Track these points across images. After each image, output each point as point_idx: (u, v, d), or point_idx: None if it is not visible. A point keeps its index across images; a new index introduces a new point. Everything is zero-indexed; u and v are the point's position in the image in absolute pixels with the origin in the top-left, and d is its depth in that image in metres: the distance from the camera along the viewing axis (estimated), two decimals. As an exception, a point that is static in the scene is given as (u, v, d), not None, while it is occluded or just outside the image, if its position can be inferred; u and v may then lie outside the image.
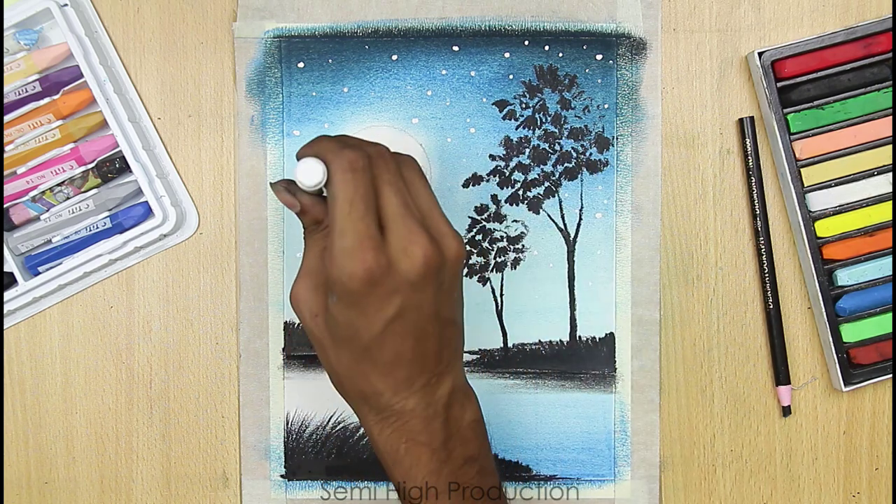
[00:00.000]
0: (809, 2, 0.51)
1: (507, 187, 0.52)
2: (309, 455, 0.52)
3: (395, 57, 0.51)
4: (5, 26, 0.50)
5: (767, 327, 0.52)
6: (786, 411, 0.52)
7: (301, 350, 0.52)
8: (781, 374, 0.51)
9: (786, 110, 0.50)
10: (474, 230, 0.52)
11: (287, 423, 0.52)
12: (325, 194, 0.40)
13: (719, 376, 0.52)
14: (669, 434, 0.52)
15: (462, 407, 0.41)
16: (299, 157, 0.38)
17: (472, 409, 0.42)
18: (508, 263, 0.52)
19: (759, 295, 0.52)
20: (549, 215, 0.52)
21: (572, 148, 0.52)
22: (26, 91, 0.50)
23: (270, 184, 0.41)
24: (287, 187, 0.40)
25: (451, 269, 0.38)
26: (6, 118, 0.50)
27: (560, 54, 0.51)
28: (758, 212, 0.51)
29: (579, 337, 0.52)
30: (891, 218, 0.51)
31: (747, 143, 0.51)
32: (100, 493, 0.52)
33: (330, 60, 0.52)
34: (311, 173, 0.37)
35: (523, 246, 0.52)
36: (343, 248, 0.36)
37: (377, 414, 0.40)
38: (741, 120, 0.51)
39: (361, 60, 0.51)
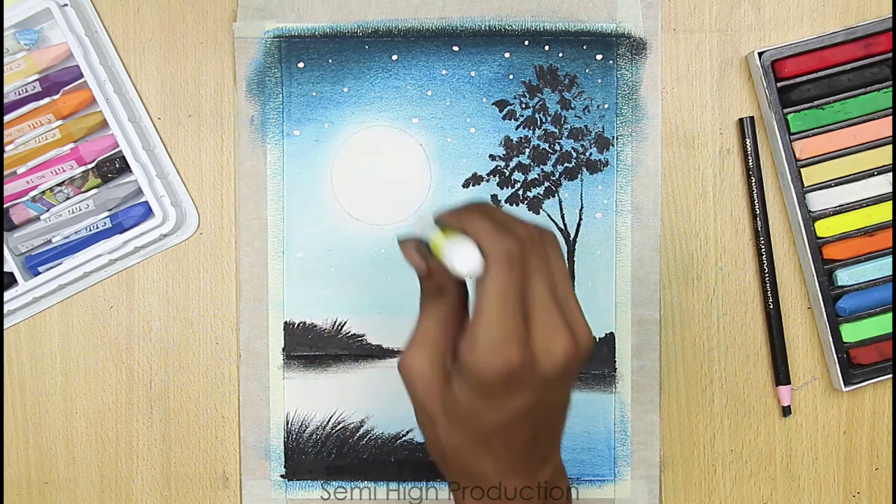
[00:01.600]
0: (809, 2, 0.51)
1: (507, 187, 0.52)
2: (309, 455, 0.52)
3: (395, 57, 0.51)
4: (5, 26, 0.50)
5: (767, 327, 0.52)
6: (786, 411, 0.52)
7: (301, 350, 0.52)
8: (781, 374, 0.51)
9: (786, 110, 0.50)
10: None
11: (287, 423, 0.52)
12: None
13: (719, 376, 0.52)
14: (669, 434, 0.52)
15: (559, 487, 0.40)
16: (444, 224, 0.36)
17: (566, 486, 0.40)
18: (508, 263, 0.52)
19: (759, 295, 0.52)
20: (549, 215, 0.52)
21: (572, 148, 0.52)
22: (26, 91, 0.50)
23: (399, 241, 0.39)
24: (418, 248, 0.38)
25: (582, 362, 0.37)
26: (6, 118, 0.50)
27: (560, 54, 0.51)
28: (758, 212, 0.51)
29: (579, 337, 0.52)
30: (891, 218, 0.51)
31: (747, 143, 0.51)
32: (100, 493, 0.52)
33: (330, 60, 0.52)
34: (469, 262, 0.34)
35: (523, 246, 0.52)
36: (488, 339, 0.34)
37: (479, 491, 0.38)
38: (741, 120, 0.51)
39: (361, 60, 0.51)
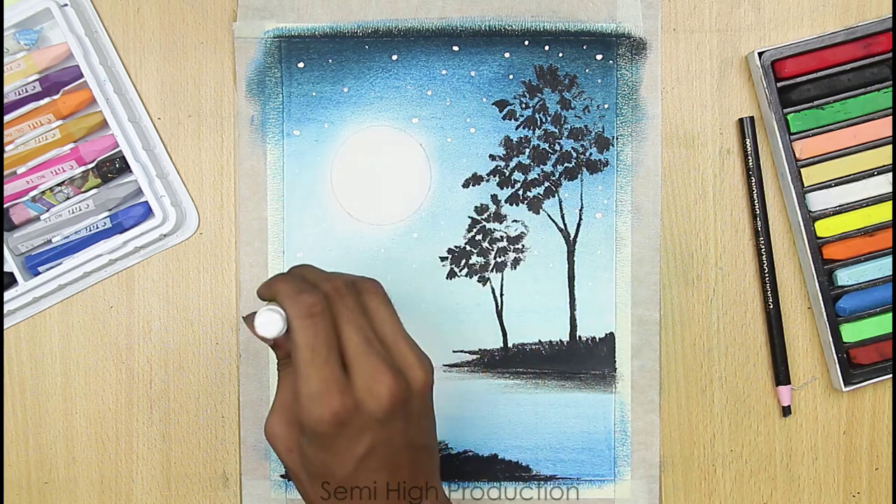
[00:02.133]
0: (809, 2, 0.51)
1: (507, 187, 0.52)
2: (309, 455, 0.52)
3: (395, 57, 0.51)
4: (5, 26, 0.50)
5: (767, 327, 0.52)
6: (786, 411, 0.52)
7: (301, 350, 0.52)
8: (781, 374, 0.51)
9: (786, 110, 0.50)
10: (474, 230, 0.52)
11: (287, 423, 0.52)
12: None
13: (719, 376, 0.52)
14: (669, 434, 0.52)
15: None
16: (260, 296, 0.39)
17: None
18: (508, 263, 0.52)
19: (759, 295, 0.52)
20: (549, 215, 0.52)
21: (572, 148, 0.52)
22: (26, 91, 0.50)
23: (243, 318, 0.41)
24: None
25: (418, 399, 0.38)
26: (6, 118, 0.50)
27: (560, 54, 0.51)
28: (758, 212, 0.51)
29: (579, 337, 0.52)
30: (891, 218, 0.51)
31: (747, 143, 0.51)
32: (100, 493, 0.52)
33: (330, 60, 0.52)
34: (270, 326, 0.37)
35: (523, 246, 0.52)
36: (309, 394, 0.36)
37: None
38: (741, 120, 0.51)
39: (361, 60, 0.51)
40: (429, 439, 0.40)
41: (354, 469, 0.37)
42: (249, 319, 0.39)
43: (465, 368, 0.52)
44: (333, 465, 0.37)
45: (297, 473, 0.39)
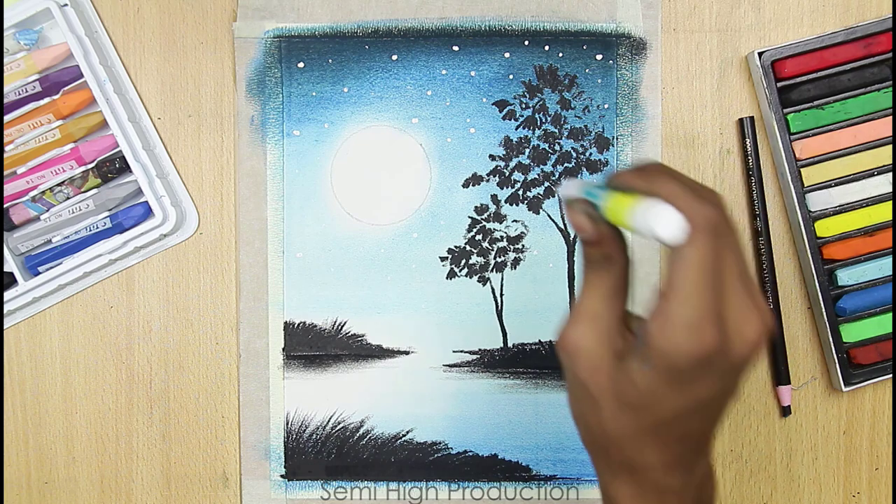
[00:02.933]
0: (809, 2, 0.51)
1: (507, 187, 0.52)
2: (309, 455, 0.52)
3: (395, 57, 0.51)
4: (5, 26, 0.50)
5: (767, 327, 0.51)
6: (786, 411, 0.52)
7: (301, 350, 0.52)
8: (781, 375, 0.51)
9: (786, 110, 0.50)
10: (474, 230, 0.52)
11: (287, 423, 0.52)
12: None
13: (719, 376, 0.52)
14: (669, 434, 0.52)
15: (710, 487, 0.37)
16: (625, 186, 0.33)
17: (714, 486, 0.37)
18: (508, 263, 0.52)
19: (759, 295, 0.52)
20: (549, 215, 0.52)
21: (572, 148, 0.52)
22: (26, 91, 0.50)
23: (566, 201, 0.35)
24: (587, 210, 0.34)
25: (763, 348, 0.33)
26: (6, 118, 0.50)
27: (560, 54, 0.51)
28: (758, 212, 0.51)
29: (579, 337, 0.52)
30: (891, 218, 0.51)
31: (747, 143, 0.51)
32: (100, 493, 0.52)
33: (330, 60, 0.52)
34: (673, 227, 0.31)
35: (523, 246, 0.52)
36: (684, 318, 0.31)
37: (637, 487, 0.35)
38: (741, 120, 0.51)
39: (361, 60, 0.51)
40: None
41: (687, 411, 0.33)
42: (578, 205, 0.34)
43: (465, 368, 0.52)
44: (665, 400, 0.33)
45: (597, 398, 0.34)
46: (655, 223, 0.30)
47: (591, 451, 0.37)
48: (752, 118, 0.51)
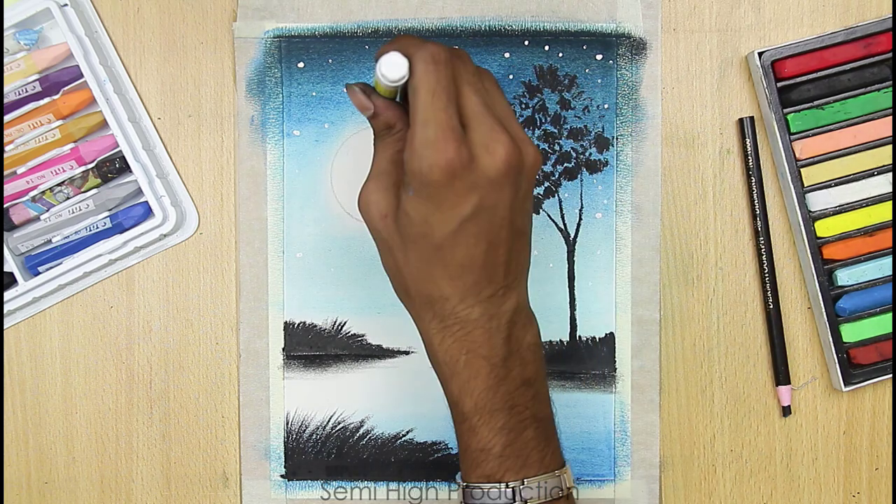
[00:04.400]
0: (809, 2, 0.51)
1: (507, 187, 0.52)
2: (309, 455, 0.52)
3: (395, 57, 0.51)
4: (5, 26, 0.50)
5: (767, 327, 0.52)
6: (786, 411, 0.52)
7: (301, 350, 0.52)
8: (781, 374, 0.51)
9: (786, 110, 0.50)
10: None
11: (287, 423, 0.52)
12: (398, 99, 0.40)
13: (719, 376, 0.52)
14: (669, 434, 0.52)
15: (524, 327, 0.40)
16: (380, 54, 0.37)
17: (533, 332, 0.41)
18: (508, 263, 0.52)
19: (759, 295, 0.52)
20: (548, 215, 0.52)
21: (572, 148, 0.52)
22: (26, 91, 0.50)
23: (346, 85, 0.40)
24: (363, 89, 0.39)
25: (528, 175, 0.38)
26: (6, 118, 0.50)
27: (560, 54, 0.51)
28: (758, 212, 0.51)
29: (579, 337, 0.52)
30: (891, 218, 0.51)
31: (747, 142, 0.51)
32: (100, 493, 0.52)
33: (330, 60, 0.52)
34: (394, 67, 0.36)
35: (523, 246, 0.52)
36: (425, 139, 0.36)
37: (440, 322, 0.39)
38: (741, 120, 0.51)
39: (361, 60, 0.51)
40: (528, 227, 0.40)
41: (455, 230, 0.37)
42: (355, 87, 0.39)
43: (465, 368, 0.52)
44: (435, 223, 0.37)
45: (388, 241, 0.39)
46: (381, 68, 0.36)
47: (403, 301, 0.41)
48: (752, 118, 0.51)
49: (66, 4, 0.50)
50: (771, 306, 0.51)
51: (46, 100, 0.51)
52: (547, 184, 0.52)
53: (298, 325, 0.52)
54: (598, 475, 0.52)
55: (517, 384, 0.39)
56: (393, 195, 0.39)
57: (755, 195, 0.51)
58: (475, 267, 0.38)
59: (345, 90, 0.41)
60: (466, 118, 0.37)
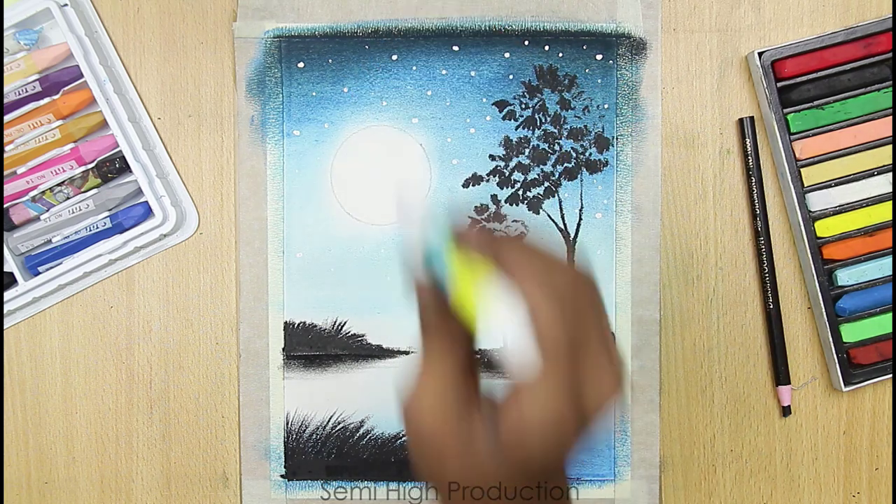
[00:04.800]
0: (809, 2, 0.51)
1: (507, 187, 0.52)
2: (309, 455, 0.52)
3: (395, 57, 0.51)
4: (5, 26, 0.50)
5: (767, 327, 0.52)
6: (786, 411, 0.52)
7: (301, 350, 0.52)
8: (781, 374, 0.51)
9: (786, 110, 0.50)
10: (474, 230, 0.52)
11: (287, 423, 0.52)
12: None
13: (719, 376, 0.52)
14: (669, 434, 0.52)
15: (559, 486, 0.37)
16: (465, 246, 0.35)
17: (566, 486, 0.37)
18: (508, 263, 0.52)
19: (759, 295, 0.52)
20: (549, 215, 0.52)
21: (572, 148, 0.52)
22: (26, 91, 0.50)
23: (416, 284, 0.35)
24: (433, 293, 0.35)
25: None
26: (6, 118, 0.50)
27: (560, 54, 0.51)
28: (758, 212, 0.51)
29: (579, 337, 0.52)
30: (891, 218, 0.51)
31: (747, 142, 0.51)
32: (100, 493, 0.52)
33: (330, 60, 0.52)
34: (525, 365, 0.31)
35: (523, 246, 0.52)
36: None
37: (479, 490, 0.37)
38: (741, 120, 0.51)
39: (361, 60, 0.51)
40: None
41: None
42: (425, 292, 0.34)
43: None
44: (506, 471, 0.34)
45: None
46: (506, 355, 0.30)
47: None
48: (752, 118, 0.51)
49: (66, 4, 0.50)
50: (771, 306, 0.51)
51: (46, 100, 0.51)
52: (547, 184, 0.52)
53: (298, 325, 0.52)
54: (598, 475, 0.52)
55: None
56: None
57: (755, 195, 0.51)
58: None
59: (413, 286, 0.35)
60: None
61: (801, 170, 0.50)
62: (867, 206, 0.51)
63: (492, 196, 0.52)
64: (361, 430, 0.52)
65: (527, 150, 0.52)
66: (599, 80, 0.51)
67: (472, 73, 0.51)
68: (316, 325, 0.52)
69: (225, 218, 0.52)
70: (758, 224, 0.51)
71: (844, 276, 0.50)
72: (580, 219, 0.52)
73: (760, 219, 0.51)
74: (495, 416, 0.33)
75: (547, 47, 0.51)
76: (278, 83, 0.52)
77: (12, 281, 0.51)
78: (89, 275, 0.52)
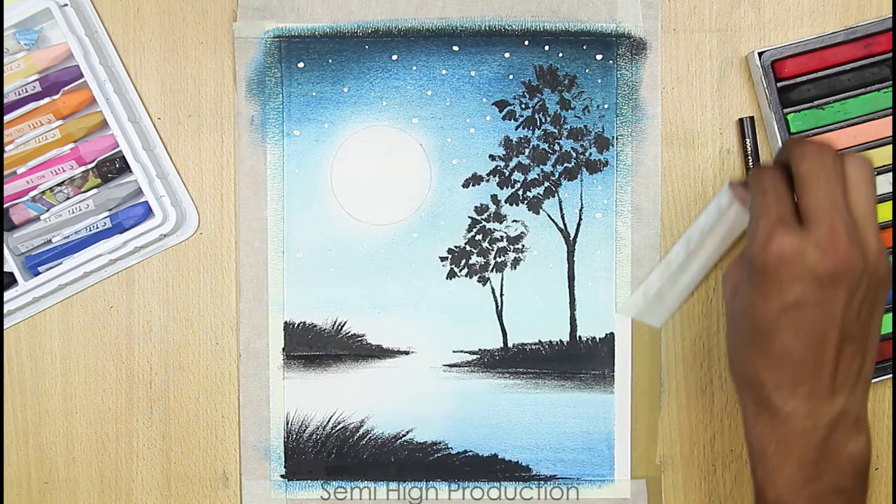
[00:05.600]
0: (809, 2, 0.51)
1: (507, 187, 0.52)
2: (309, 455, 0.52)
3: (395, 57, 0.51)
4: (5, 26, 0.50)
5: (767, 327, 0.52)
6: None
7: (301, 350, 0.52)
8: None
9: (786, 110, 0.50)
10: (474, 230, 0.52)
11: (287, 423, 0.52)
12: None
13: (719, 376, 0.52)
14: (669, 434, 0.52)
15: (848, 435, 0.39)
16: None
17: (860, 444, 0.39)
18: (508, 263, 0.52)
19: (759, 295, 0.52)
20: (549, 215, 0.52)
21: (572, 148, 0.52)
22: (26, 91, 0.50)
23: (730, 183, 0.45)
24: (742, 184, 0.45)
25: (870, 287, 0.38)
26: (6, 118, 0.50)
27: (560, 54, 0.51)
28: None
29: (579, 337, 0.52)
30: (891, 218, 0.51)
31: (747, 142, 0.51)
32: (100, 493, 0.52)
33: (330, 60, 0.52)
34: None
35: (523, 246, 0.52)
36: (763, 226, 0.37)
37: (755, 405, 0.39)
38: (741, 120, 0.51)
39: (361, 60, 0.51)
40: (867, 336, 0.39)
41: (776, 317, 0.37)
42: (738, 182, 0.44)
43: (465, 368, 0.52)
44: (758, 307, 0.38)
45: (728, 315, 0.41)
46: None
47: (731, 373, 0.42)
48: (752, 118, 0.51)
49: (66, 4, 0.50)
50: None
51: (46, 100, 0.51)
52: (547, 184, 0.52)
53: (298, 325, 0.52)
54: (598, 475, 0.52)
55: (827, 490, 0.38)
56: (741, 269, 0.40)
57: (755, 195, 0.51)
58: (793, 359, 0.38)
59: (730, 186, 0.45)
60: (810, 213, 0.37)
61: (801, 170, 0.50)
62: (867, 206, 0.51)
63: (492, 196, 0.52)
64: (361, 430, 0.52)
65: (527, 150, 0.52)
66: (599, 80, 0.51)
67: (472, 73, 0.51)
68: (316, 325, 0.52)
69: (225, 218, 0.52)
70: (758, 224, 0.51)
71: (844, 276, 0.50)
72: (580, 219, 0.52)
73: (760, 219, 0.51)
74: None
75: (547, 47, 0.51)
76: (278, 83, 0.52)
77: (12, 281, 0.51)
78: (89, 275, 0.52)
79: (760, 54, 0.50)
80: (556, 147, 0.52)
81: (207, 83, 0.52)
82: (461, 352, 0.52)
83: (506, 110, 0.52)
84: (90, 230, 0.51)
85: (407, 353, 0.52)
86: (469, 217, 0.52)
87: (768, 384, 0.38)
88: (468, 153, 0.52)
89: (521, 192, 0.52)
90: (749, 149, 0.51)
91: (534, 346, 0.52)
